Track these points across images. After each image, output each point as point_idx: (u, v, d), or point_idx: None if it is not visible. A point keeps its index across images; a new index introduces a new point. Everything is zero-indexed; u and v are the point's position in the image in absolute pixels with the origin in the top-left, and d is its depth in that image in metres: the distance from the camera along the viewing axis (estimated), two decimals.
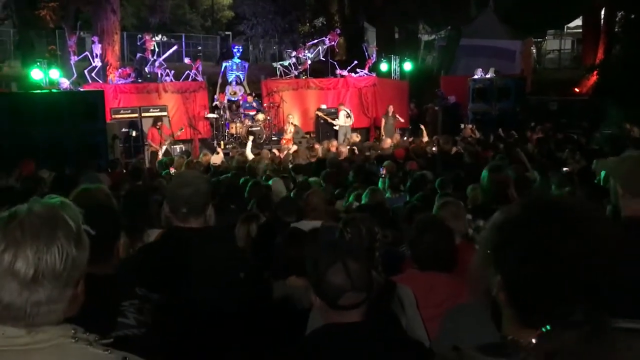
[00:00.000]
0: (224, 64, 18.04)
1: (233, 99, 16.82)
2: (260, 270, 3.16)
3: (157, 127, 14.53)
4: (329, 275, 1.93)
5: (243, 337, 2.30)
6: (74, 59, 15.40)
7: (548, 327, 1.17)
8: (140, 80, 15.99)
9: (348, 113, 17.12)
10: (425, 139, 14.71)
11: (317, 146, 14.50)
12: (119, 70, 16.44)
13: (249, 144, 13.11)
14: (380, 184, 7.52)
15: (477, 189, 5.07)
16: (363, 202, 5.59)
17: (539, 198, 1.33)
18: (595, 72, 22.27)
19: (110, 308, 1.80)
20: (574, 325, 1.14)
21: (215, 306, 2.26)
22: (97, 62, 15.81)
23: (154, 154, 14.38)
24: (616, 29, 25.37)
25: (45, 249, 1.27)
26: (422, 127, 16.35)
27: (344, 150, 12.63)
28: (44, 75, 13.18)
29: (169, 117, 15.37)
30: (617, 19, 25.55)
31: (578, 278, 1.16)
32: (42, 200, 1.38)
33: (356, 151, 12.58)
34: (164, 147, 14.40)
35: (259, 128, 15.85)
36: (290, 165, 10.52)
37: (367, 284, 1.96)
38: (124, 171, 10.76)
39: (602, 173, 3.10)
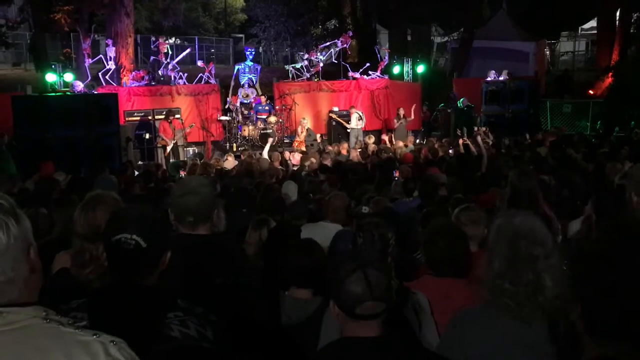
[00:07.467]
0: (236, 67, 18.08)
1: (245, 101, 16.86)
2: (269, 278, 3.10)
3: (169, 120, 14.65)
4: (348, 284, 1.91)
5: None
6: (88, 61, 15.54)
7: None
8: (153, 83, 16.08)
9: (360, 116, 17.09)
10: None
11: (330, 148, 14.51)
12: (133, 73, 16.54)
13: (267, 147, 13.10)
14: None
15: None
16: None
17: (619, 229, 1.30)
18: (610, 74, 22.05)
19: (155, 320, 1.79)
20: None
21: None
22: (111, 65, 15.92)
23: (164, 149, 14.48)
24: (631, 30, 25.12)
25: None
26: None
27: (355, 154, 12.62)
28: (58, 78, 13.28)
29: (182, 120, 15.45)
30: (632, 20, 25.30)
31: None
32: None
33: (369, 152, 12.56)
34: (174, 142, 14.48)
35: (271, 131, 15.88)
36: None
37: (386, 294, 1.93)
38: (135, 174, 10.82)
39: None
